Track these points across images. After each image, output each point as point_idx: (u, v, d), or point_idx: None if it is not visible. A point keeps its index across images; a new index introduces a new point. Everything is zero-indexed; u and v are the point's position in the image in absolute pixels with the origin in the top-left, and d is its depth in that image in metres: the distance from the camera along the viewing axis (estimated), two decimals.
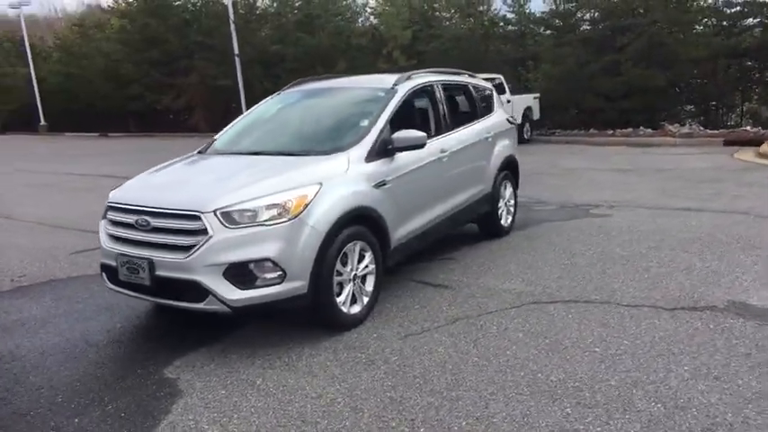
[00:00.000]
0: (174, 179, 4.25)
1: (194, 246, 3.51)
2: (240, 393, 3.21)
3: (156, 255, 3.61)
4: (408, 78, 5.10)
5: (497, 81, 16.70)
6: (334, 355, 3.64)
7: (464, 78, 6.07)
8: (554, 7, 22.34)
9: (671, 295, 4.39)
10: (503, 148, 6.21)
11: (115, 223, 3.90)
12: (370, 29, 25.84)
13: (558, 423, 2.80)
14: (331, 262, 3.78)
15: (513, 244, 5.99)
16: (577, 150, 14.92)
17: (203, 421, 2.95)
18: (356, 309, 4.07)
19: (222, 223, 3.51)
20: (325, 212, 3.75)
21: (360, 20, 27.71)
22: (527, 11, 22.89)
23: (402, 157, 4.54)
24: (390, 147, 4.40)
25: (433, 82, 5.35)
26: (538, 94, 18.89)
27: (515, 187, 6.60)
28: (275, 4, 30.18)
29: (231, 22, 27.96)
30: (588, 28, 21.11)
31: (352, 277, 4.01)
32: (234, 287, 3.51)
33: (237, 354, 3.70)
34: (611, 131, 18.04)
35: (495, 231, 6.21)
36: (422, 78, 5.25)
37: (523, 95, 17.92)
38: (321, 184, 3.83)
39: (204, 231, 3.50)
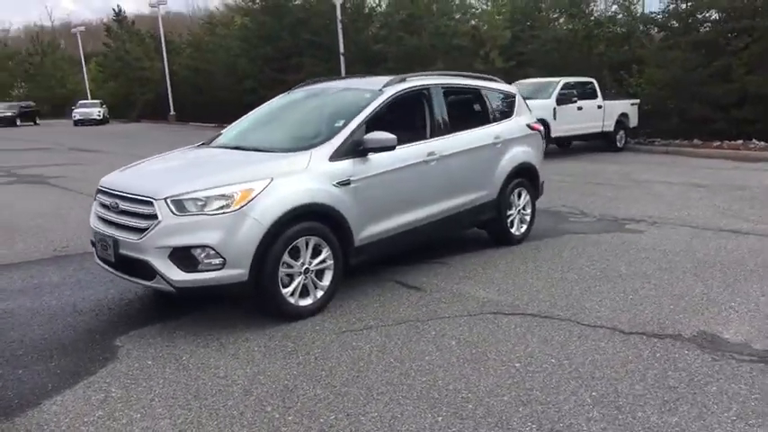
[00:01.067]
0: (154, 168, 4.67)
1: (147, 229, 3.87)
2: (162, 366, 3.51)
3: (120, 234, 4.02)
4: (401, 81, 5.16)
5: (589, 86, 15.99)
6: (267, 342, 3.84)
7: (474, 82, 5.99)
8: (670, 6, 20.82)
9: (640, 319, 4.11)
10: (517, 154, 6.05)
11: (100, 204, 4.37)
12: (471, 29, 25.56)
13: (420, 430, 2.80)
14: (276, 254, 3.98)
15: (516, 253, 5.84)
16: (669, 161, 13.90)
17: (115, 384, 3.29)
18: (307, 301, 4.23)
19: (171, 210, 3.83)
20: (270, 206, 3.95)
21: (461, 19, 27.47)
22: (637, 12, 21.56)
23: (377, 158, 4.64)
24: (361, 147, 4.52)
25: (430, 85, 5.35)
26: (637, 100, 17.78)
27: (534, 196, 6.39)
28: (383, 4, 30.84)
29: (338, 20, 28.93)
30: (707, 29, 19.45)
31: (303, 271, 4.18)
32: (178, 269, 3.83)
33: (185, 331, 4.02)
34: (719, 143, 16.55)
35: (503, 239, 6.08)
36: (416, 81, 5.28)
37: (619, 101, 16.96)
38: (272, 179, 4.04)
39: (155, 216, 3.85)
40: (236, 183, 3.95)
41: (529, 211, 6.35)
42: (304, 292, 4.23)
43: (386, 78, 5.21)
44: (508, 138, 5.98)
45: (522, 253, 5.86)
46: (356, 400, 3.08)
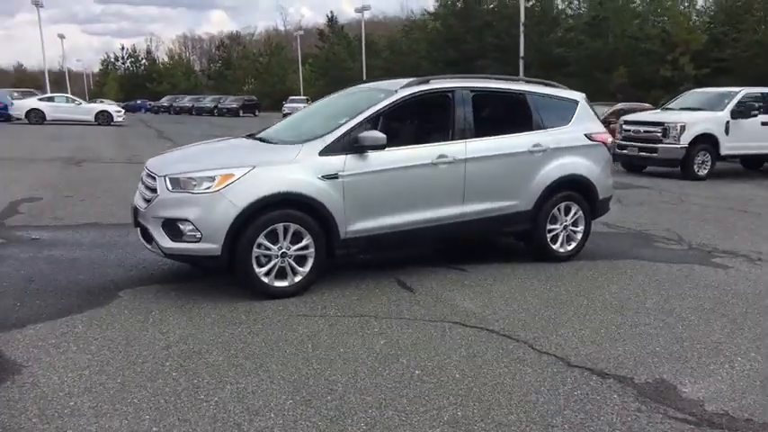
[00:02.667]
0: (185, 152, 5.32)
1: (150, 200, 4.52)
2: (129, 317, 4.11)
3: (140, 205, 4.74)
4: (421, 83, 5.18)
5: None
6: (226, 312, 4.24)
7: (518, 87, 5.69)
8: None
9: (603, 355, 3.68)
10: (565, 164, 5.63)
11: (141, 180, 5.17)
12: (661, 32, 23.27)
13: (266, 405, 2.96)
14: (251, 235, 4.36)
15: (545, 271, 5.45)
16: None
17: (84, 323, 3.96)
18: (282, 283, 4.55)
19: (167, 186, 4.43)
20: (245, 191, 4.34)
21: (651, 21, 25.11)
22: None
23: (376, 155, 4.76)
24: (357, 144, 4.68)
25: (455, 88, 5.25)
26: None
27: (588, 212, 5.87)
28: (570, 7, 29.51)
29: (521, 24, 28.42)
30: None
31: (280, 254, 4.50)
32: (167, 237, 4.41)
33: (177, 294, 4.60)
34: None
35: (542, 255, 5.72)
36: (440, 84, 5.24)
37: None
38: (254, 167, 4.42)
39: (156, 191, 4.49)
40: (222, 168, 4.42)
41: (580, 228, 5.86)
42: (281, 274, 4.55)
43: (412, 80, 5.27)
44: (555, 147, 5.60)
45: (554, 272, 5.46)
46: (240, 371, 3.33)
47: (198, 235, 4.34)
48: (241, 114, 47.83)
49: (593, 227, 6.13)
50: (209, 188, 4.34)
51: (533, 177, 5.51)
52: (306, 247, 4.58)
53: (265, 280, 4.50)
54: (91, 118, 29.41)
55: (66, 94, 33.81)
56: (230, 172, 4.38)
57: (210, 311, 4.25)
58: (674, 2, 23.54)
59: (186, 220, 4.34)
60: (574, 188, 5.76)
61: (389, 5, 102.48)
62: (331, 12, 64.50)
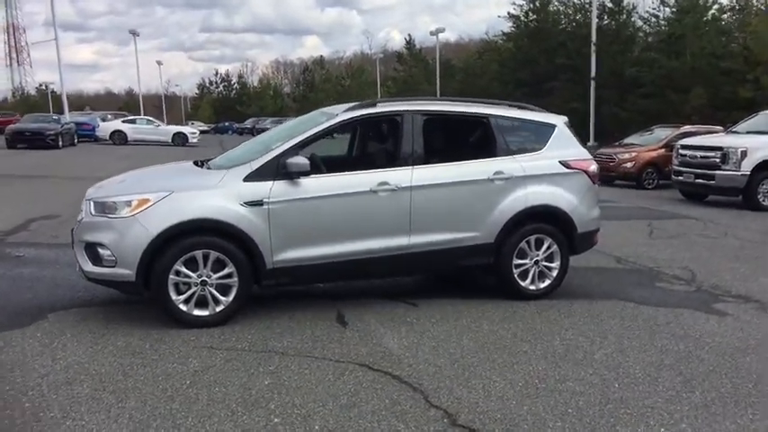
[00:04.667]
0: (130, 174, 5.29)
1: (79, 222, 4.56)
2: (6, 349, 4.12)
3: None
4: (368, 106, 4.94)
5: None
6: (137, 339, 4.14)
7: (481, 110, 5.26)
8: None
9: (498, 415, 3.22)
10: (534, 194, 5.14)
11: None
12: (743, 49, 21.45)
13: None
14: (167, 261, 4.26)
15: (501, 311, 4.95)
16: None
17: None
18: (202, 312, 4.40)
19: (90, 210, 4.44)
20: (160, 216, 4.25)
21: (732, 38, 23.23)
22: None
23: (308, 182, 4.56)
24: (284, 170, 4.50)
25: (404, 112, 4.94)
26: None
27: (565, 247, 5.32)
28: (648, 24, 27.98)
29: (592, 44, 27.32)
30: None
31: (200, 282, 4.37)
32: (89, 261, 4.41)
33: (116, 314, 4.58)
34: None
35: (509, 291, 5.25)
36: (387, 107, 4.98)
37: None
38: (171, 192, 4.34)
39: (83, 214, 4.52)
40: (140, 193, 4.37)
41: (555, 263, 5.31)
42: (201, 303, 4.41)
43: (357, 104, 5.04)
44: (522, 174, 5.13)
45: (514, 311, 4.96)
46: (92, 406, 3.19)
47: (114, 259, 4.30)
48: None
49: (600, 262, 5.57)
50: (125, 213, 4.31)
51: (495, 207, 5.07)
52: (229, 276, 4.43)
53: (183, 308, 4.37)
54: (168, 139, 31.19)
55: (146, 117, 36.14)
56: (146, 197, 4.32)
57: (120, 338, 4.18)
58: (761, 18, 21.68)
59: (101, 244, 4.32)
60: (546, 220, 5.25)
61: (475, 29, 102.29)
62: (409, 35, 64.94)
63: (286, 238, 4.52)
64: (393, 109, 5.02)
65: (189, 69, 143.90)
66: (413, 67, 61.11)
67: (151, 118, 35.72)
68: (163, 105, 72.65)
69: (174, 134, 31.71)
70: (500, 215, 5.09)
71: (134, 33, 49.26)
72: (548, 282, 5.33)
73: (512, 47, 38.71)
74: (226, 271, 4.41)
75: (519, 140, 5.34)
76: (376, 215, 4.75)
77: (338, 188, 4.64)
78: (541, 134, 5.40)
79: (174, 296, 4.34)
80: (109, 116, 36.83)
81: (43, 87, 77.54)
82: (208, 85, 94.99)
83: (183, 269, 4.33)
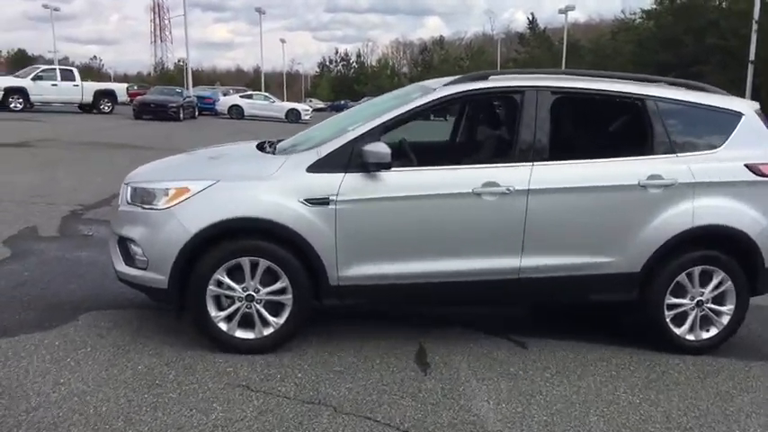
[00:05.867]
0: (182, 158, 4.38)
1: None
2: (16, 360, 3.39)
3: None
4: (472, 80, 3.69)
5: None
6: (151, 362, 3.29)
7: (638, 89, 3.80)
8: None
9: None
10: (706, 208, 3.67)
11: None
12: None
13: None
14: (204, 268, 3.36)
15: (635, 370, 3.58)
16: None
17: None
18: (247, 334, 3.47)
19: (126, 198, 3.62)
20: (201, 210, 3.33)
21: None
22: None
23: (391, 177, 3.45)
24: (359, 160, 3.42)
25: (527, 88, 3.63)
26: None
27: (744, 285, 3.79)
28: None
29: (754, 21, 23.73)
30: None
31: (245, 297, 3.43)
32: (121, 258, 3.61)
33: (148, 325, 3.81)
34: None
35: (657, 339, 3.85)
36: (498, 82, 3.70)
37: None
38: (218, 181, 3.40)
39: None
40: (181, 179, 3.48)
41: (727, 307, 3.82)
42: (246, 323, 3.49)
43: (462, 76, 3.81)
44: (689, 181, 3.68)
45: (663, 371, 3.58)
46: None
47: (145, 260, 3.46)
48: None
49: None
50: (161, 204, 3.44)
51: (646, 224, 3.67)
52: (282, 291, 3.46)
53: (224, 327, 3.46)
54: (282, 115, 31.43)
55: (263, 93, 36.72)
56: (185, 185, 3.41)
57: (145, 358, 3.35)
58: None
59: (134, 241, 3.49)
60: (719, 246, 3.76)
61: (608, 7, 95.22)
62: (531, 14, 61.52)
63: (357, 249, 3.46)
64: (511, 84, 3.74)
65: (313, 49, 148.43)
66: (536, 48, 57.93)
67: (267, 94, 36.29)
68: (284, 82, 74.78)
69: (288, 110, 31.92)
70: (652, 236, 3.68)
71: (260, 11, 50.51)
72: (714, 331, 3.86)
73: (652, 26, 35.08)
74: (278, 285, 3.44)
75: (686, 133, 3.87)
76: (478, 226, 3.55)
77: (429, 187, 3.48)
78: (720, 125, 3.87)
79: (213, 312, 3.44)
80: (231, 91, 37.96)
81: (181, 63, 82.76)
82: (328, 63, 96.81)
83: (226, 279, 3.41)
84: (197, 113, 29.02)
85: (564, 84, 3.79)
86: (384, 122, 3.53)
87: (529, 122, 3.61)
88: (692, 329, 3.85)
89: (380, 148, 3.34)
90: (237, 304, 3.45)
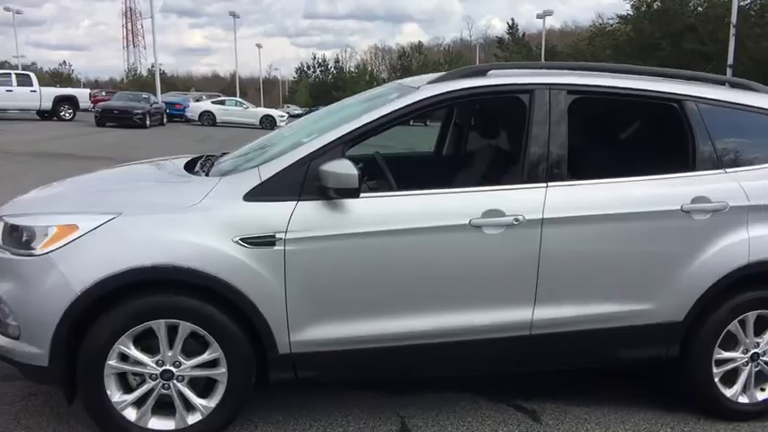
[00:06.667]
0: (86, 180, 3.34)
1: None
2: None
3: None
4: (465, 76, 2.81)
5: None
6: None
7: (667, 87, 2.99)
8: None
9: None
10: (764, 240, 2.87)
11: None
12: None
13: None
14: (100, 337, 2.42)
15: None
16: None
17: None
18: (166, 424, 2.54)
19: (1, 236, 2.65)
20: (93, 258, 2.39)
21: None
22: None
23: (362, 206, 2.55)
24: (316, 184, 2.51)
25: (537, 86, 2.76)
26: None
27: None
28: None
29: (731, 25, 23.42)
30: None
31: (160, 373, 2.50)
32: None
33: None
34: None
35: (702, 402, 3.02)
36: (500, 78, 2.82)
37: None
38: (119, 214, 2.46)
39: None
40: (67, 212, 2.53)
41: None
42: (164, 409, 2.55)
43: (453, 71, 2.94)
44: (741, 204, 2.85)
45: None
46: None
47: (14, 324, 2.51)
48: None
49: None
50: (38, 248, 2.48)
51: (690, 261, 2.81)
52: (212, 364, 2.53)
53: (131, 415, 2.52)
54: (256, 121, 30.32)
55: (236, 99, 35.54)
56: (72, 221, 2.47)
57: None
58: None
59: (1, 300, 2.53)
60: None
61: (583, 15, 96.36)
62: (512, 19, 61.32)
63: (315, 304, 2.55)
64: (518, 81, 2.85)
65: (291, 54, 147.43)
66: (515, 53, 57.74)
67: (241, 100, 35.10)
68: (260, 89, 73.57)
69: (263, 117, 30.81)
70: (699, 275, 2.83)
71: (234, 15, 49.39)
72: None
73: (629, 31, 34.86)
74: (207, 356, 2.51)
75: (737, 143, 3.04)
76: (477, 268, 2.66)
77: (412, 219, 2.59)
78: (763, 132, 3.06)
79: (115, 395, 2.49)
80: (204, 97, 36.70)
81: (154, 68, 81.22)
82: (306, 69, 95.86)
83: (133, 351, 2.47)
84: (165, 120, 27.79)
85: (583, 81, 2.92)
86: (350, 132, 2.62)
87: (540, 130, 2.74)
88: (745, 389, 3.02)
89: (344, 168, 2.44)
90: (150, 383, 2.51)
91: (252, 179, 2.55)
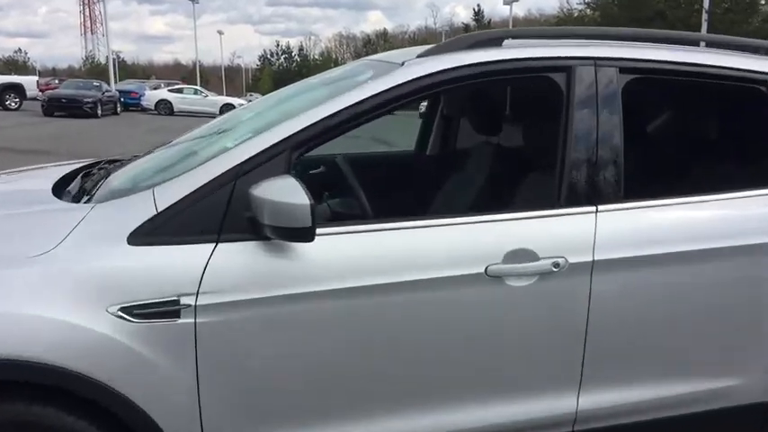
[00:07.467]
0: None
1: None
2: None
3: None
4: (468, 46, 1.89)
5: None
6: None
7: (756, 65, 2.14)
8: None
9: None
10: None
11: None
12: None
13: None
14: None
15: None
16: None
17: None
18: None
19: None
20: None
21: None
22: None
23: (326, 250, 1.62)
24: (247, 217, 1.57)
25: (574, 62, 1.86)
26: None
27: None
28: None
29: (704, 11, 23.07)
30: None
31: None
32: None
33: None
34: None
35: None
36: (522, 51, 1.91)
37: None
38: None
39: None
40: None
41: None
42: None
43: (454, 39, 2.02)
44: None
45: None
46: None
47: None
48: None
49: None
50: None
51: None
52: None
53: None
54: (216, 110, 28.95)
55: (194, 87, 33.97)
56: None
57: None
58: None
59: None
60: None
61: (547, 3, 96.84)
62: (478, 5, 60.71)
63: (246, 411, 1.63)
64: (550, 54, 1.93)
65: (255, 42, 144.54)
66: None
67: (199, 88, 33.53)
68: (222, 76, 71.47)
69: (223, 105, 29.44)
70: None
71: (193, 1, 47.38)
72: None
73: (597, 16, 34.57)
74: None
75: None
76: (497, 340, 1.77)
77: (398, 268, 1.68)
78: None
79: None
80: (162, 85, 34.99)
81: (114, 56, 78.09)
82: (269, 57, 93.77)
83: None
84: (119, 109, 26.20)
85: (642, 54, 2.02)
86: (300, 132, 1.67)
87: (585, 127, 1.85)
88: None
89: (289, 193, 1.50)
90: None
91: (141, 209, 1.59)
